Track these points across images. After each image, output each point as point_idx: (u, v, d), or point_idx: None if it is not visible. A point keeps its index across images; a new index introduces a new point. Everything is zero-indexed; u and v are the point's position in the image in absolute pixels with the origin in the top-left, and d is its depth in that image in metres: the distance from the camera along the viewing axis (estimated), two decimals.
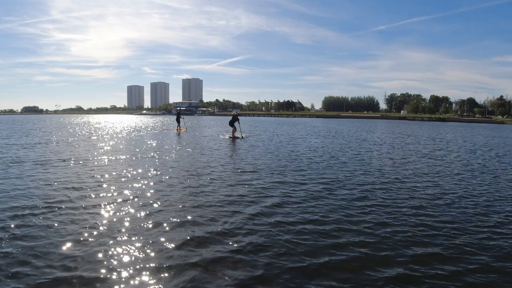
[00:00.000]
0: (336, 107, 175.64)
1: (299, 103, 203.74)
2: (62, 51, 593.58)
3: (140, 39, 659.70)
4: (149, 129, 35.97)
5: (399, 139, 25.73)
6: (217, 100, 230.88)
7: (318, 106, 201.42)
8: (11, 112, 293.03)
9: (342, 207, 6.90)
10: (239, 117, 22.96)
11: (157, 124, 52.34)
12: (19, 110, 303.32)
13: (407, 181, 9.63)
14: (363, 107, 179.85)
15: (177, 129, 31.48)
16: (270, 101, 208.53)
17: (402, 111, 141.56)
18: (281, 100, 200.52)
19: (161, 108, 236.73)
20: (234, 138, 22.37)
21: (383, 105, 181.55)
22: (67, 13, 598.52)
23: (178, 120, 31.62)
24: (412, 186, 9.06)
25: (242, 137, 23.06)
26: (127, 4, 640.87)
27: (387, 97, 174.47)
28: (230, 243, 5.03)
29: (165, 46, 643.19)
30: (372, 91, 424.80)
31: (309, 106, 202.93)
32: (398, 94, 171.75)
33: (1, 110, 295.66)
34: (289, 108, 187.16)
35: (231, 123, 22.84)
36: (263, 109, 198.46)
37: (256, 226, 5.74)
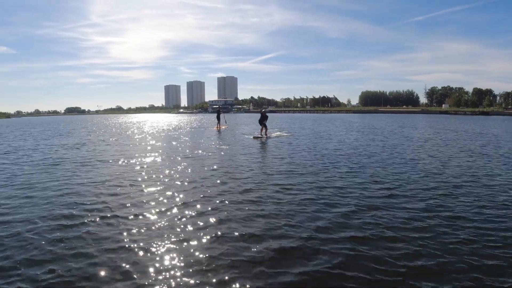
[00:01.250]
0: (373, 101, 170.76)
1: (335, 98, 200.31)
2: (102, 53, 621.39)
3: (175, 40, 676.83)
4: (190, 127, 36.67)
5: (448, 135, 24.19)
6: (252, 97, 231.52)
7: (354, 101, 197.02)
8: (55, 113, 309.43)
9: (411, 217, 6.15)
10: (267, 114, 22.30)
11: (196, 122, 53.52)
12: (63, 111, 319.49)
13: (476, 186, 8.45)
14: (402, 101, 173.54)
15: (217, 127, 32.06)
16: (305, 97, 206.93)
17: (443, 105, 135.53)
18: (316, 96, 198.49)
19: (197, 106, 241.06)
20: (261, 137, 21.26)
21: (423, 99, 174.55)
22: (105, 16, 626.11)
23: (218, 118, 32.24)
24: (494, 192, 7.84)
25: (263, 136, 21.69)
26: (161, 6, 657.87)
27: (427, 90, 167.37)
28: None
29: (200, 45, 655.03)
30: (411, 85, 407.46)
31: (345, 102, 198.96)
32: (439, 87, 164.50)
33: (45, 111, 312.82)
34: (325, 104, 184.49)
35: (261, 122, 21.92)
36: (298, 105, 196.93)
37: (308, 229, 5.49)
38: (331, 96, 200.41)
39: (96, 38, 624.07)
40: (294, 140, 20.22)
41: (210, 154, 14.62)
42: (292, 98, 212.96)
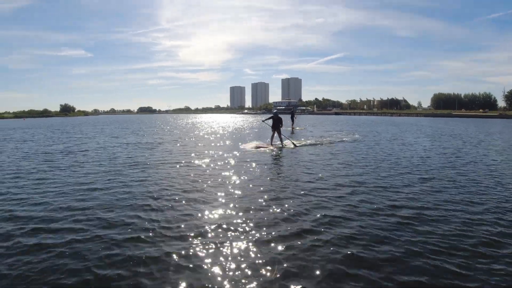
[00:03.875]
0: (446, 104, 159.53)
1: (404, 100, 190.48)
2: (171, 57, 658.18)
3: (240, 43, 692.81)
4: (261, 127, 37.83)
5: None
6: (316, 98, 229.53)
7: (425, 103, 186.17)
8: (129, 112, 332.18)
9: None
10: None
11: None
12: (135, 110, 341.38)
13: None
14: (478, 105, 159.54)
15: (291, 127, 33.09)
16: (372, 99, 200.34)
17: None
18: (384, 98, 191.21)
19: (261, 107, 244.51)
20: (269, 147, 16.86)
21: (501, 103, 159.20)
22: (174, 22, 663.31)
23: (292, 119, 33.55)
24: None
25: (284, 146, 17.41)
26: (226, 11, 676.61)
27: (506, 93, 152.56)
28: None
29: (264, 47, 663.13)
30: (488, 87, 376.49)
31: (415, 104, 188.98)
32: None
33: (120, 110, 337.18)
34: (393, 107, 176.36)
35: (275, 127, 17.32)
36: (365, 107, 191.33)
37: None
38: (400, 98, 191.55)
39: (166, 42, 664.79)
40: (363, 146, 19.38)
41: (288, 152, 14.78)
42: (358, 100, 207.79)
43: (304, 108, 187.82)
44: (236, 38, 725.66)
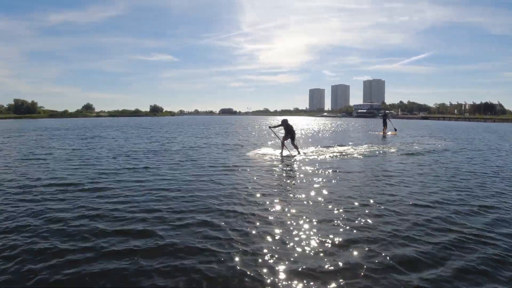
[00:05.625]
0: None
1: (500, 105, 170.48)
2: (252, 60, 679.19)
3: (319, 44, 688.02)
4: (356, 130, 36.81)
5: None
6: (400, 101, 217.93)
7: None
8: (211, 113, 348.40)
9: None
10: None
11: (360, 126, 53.33)
12: (217, 112, 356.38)
13: None
14: None
15: (383, 132, 31.62)
16: (463, 102, 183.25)
17: None
18: (477, 102, 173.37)
19: (341, 110, 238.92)
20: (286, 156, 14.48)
21: None
22: (255, 26, 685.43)
23: (384, 123, 32.01)
24: None
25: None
26: (306, 12, 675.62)
27: None
28: None
29: (344, 48, 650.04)
30: None
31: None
32: None
33: (203, 111, 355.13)
34: (487, 111, 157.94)
35: (292, 137, 15.07)
36: (455, 112, 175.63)
37: None
38: (495, 102, 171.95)
39: (247, 46, 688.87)
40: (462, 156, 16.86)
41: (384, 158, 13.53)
42: (447, 103, 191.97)
43: (387, 111, 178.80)
44: (315, 39, 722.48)
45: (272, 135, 16.62)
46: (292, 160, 13.55)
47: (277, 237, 5.25)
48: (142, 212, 6.44)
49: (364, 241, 5.12)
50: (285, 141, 15.15)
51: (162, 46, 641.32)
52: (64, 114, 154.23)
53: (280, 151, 15.04)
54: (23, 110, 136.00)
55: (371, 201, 7.27)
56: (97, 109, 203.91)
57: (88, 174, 10.42)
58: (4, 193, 8.04)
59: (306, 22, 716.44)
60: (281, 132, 15.68)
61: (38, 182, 9.26)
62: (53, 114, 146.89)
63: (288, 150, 15.01)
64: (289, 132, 15.04)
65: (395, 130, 32.65)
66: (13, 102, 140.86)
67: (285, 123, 15.10)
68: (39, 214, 6.38)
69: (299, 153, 14.97)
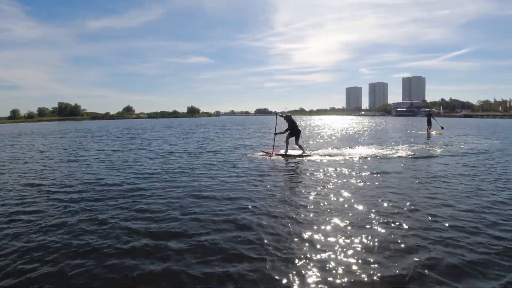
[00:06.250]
0: None
1: None
2: (286, 59, 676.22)
3: (355, 41, 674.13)
4: (401, 130, 35.71)
5: None
6: (442, 99, 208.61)
7: None
8: (247, 113, 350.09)
9: None
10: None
11: (405, 126, 51.96)
12: (253, 112, 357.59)
13: None
14: None
15: (427, 131, 30.52)
16: (508, 99, 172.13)
17: None
18: None
19: (380, 108, 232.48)
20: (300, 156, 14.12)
21: None
22: (289, 25, 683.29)
23: (429, 122, 30.64)
24: None
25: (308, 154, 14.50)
26: (341, 9, 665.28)
27: None
28: None
29: (381, 45, 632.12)
30: None
31: None
32: None
33: (239, 112, 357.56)
34: None
35: (296, 137, 14.59)
36: (500, 109, 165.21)
37: None
38: None
39: (281, 45, 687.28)
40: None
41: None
42: (492, 100, 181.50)
43: (428, 109, 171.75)
44: (350, 37, 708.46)
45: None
46: (318, 161, 13.13)
47: (310, 242, 5.06)
48: (177, 213, 6.46)
49: (403, 249, 4.81)
50: (288, 140, 14.67)
51: (198, 49, 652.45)
52: (106, 116, 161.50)
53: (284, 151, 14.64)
54: (66, 112, 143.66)
55: (417, 206, 6.83)
56: (136, 111, 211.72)
57: (126, 175, 10.68)
58: (45, 192, 8.40)
59: (340, 20, 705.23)
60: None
61: (76, 181, 9.62)
62: (95, 116, 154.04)
63: (302, 149, 14.64)
64: (294, 129, 14.46)
65: (442, 128, 30.83)
66: (57, 105, 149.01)
67: (288, 119, 14.59)
68: (76, 213, 6.57)
69: (303, 152, 14.44)
